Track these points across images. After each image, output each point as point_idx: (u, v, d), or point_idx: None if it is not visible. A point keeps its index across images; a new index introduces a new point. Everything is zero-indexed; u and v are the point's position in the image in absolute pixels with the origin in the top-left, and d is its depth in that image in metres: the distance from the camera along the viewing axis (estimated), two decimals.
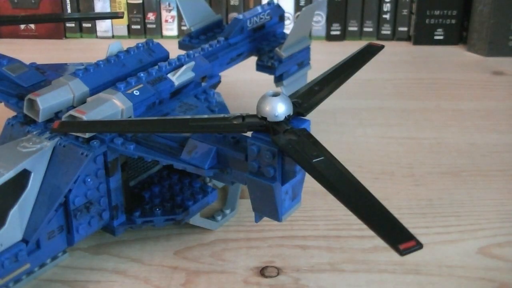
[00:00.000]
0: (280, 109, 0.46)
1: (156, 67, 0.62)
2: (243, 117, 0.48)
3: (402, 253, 0.38)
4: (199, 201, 0.59)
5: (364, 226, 0.40)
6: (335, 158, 0.44)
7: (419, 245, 0.38)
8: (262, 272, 0.57)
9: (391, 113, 0.87)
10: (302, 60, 0.80)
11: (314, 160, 0.44)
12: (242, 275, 0.56)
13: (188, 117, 0.52)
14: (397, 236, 0.39)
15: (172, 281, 0.56)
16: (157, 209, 0.58)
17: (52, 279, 0.56)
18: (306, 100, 0.50)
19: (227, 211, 0.63)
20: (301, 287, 0.55)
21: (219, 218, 0.62)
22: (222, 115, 0.49)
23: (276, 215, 0.49)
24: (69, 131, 0.53)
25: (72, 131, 0.53)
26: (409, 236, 0.39)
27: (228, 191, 0.65)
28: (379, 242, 0.40)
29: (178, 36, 1.15)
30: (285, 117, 0.47)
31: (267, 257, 0.59)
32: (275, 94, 0.47)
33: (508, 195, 0.68)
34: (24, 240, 0.51)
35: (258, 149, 0.47)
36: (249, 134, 0.48)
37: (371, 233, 0.40)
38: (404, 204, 0.66)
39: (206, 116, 0.54)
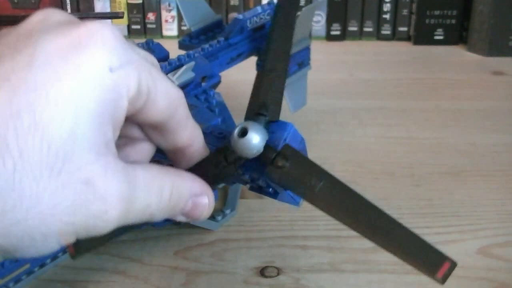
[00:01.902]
0: (255, 145, 0.41)
1: None
2: (224, 155, 0.42)
3: (442, 281, 0.35)
4: None
5: None
6: (335, 177, 0.40)
7: (453, 264, 0.35)
8: (262, 272, 0.57)
9: (391, 113, 0.87)
10: (302, 60, 0.80)
11: (316, 189, 0.39)
12: (242, 275, 0.56)
13: None
14: (432, 262, 0.36)
15: (172, 281, 0.56)
16: None
17: (52, 279, 0.56)
18: (270, 101, 0.45)
19: (227, 211, 0.63)
20: (301, 287, 0.55)
21: (219, 218, 0.62)
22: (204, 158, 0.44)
23: (293, 202, 0.46)
24: None
25: None
26: (442, 258, 0.35)
27: (228, 191, 0.65)
28: None
29: (178, 36, 1.15)
30: (265, 144, 0.41)
31: (267, 257, 0.58)
32: (242, 133, 0.41)
33: (508, 195, 0.68)
34: None
35: (252, 178, 0.45)
36: None
37: None
38: (404, 204, 0.66)
39: None
